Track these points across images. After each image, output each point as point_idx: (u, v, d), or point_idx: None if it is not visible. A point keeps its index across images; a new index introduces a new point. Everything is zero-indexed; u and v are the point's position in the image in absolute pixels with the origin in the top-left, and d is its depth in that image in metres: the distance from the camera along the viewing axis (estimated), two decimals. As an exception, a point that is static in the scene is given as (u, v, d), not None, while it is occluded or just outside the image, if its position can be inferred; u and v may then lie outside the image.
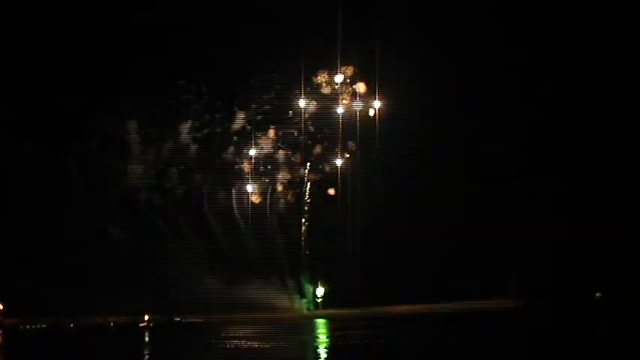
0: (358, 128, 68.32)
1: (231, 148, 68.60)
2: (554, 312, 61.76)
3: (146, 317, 62.59)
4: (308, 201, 69.62)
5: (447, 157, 69.26)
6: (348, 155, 68.75)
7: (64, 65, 66.40)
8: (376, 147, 68.19)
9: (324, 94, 68.23)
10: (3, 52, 65.17)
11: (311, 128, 68.70)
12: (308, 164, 69.33)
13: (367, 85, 68.07)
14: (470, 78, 67.68)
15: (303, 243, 69.65)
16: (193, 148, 68.41)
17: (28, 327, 62.42)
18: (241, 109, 68.28)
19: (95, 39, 66.70)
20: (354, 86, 68.23)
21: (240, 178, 69.01)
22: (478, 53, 68.02)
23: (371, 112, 67.61)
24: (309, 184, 69.71)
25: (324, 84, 67.96)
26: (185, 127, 68.19)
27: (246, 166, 68.74)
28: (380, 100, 67.53)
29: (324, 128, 69.03)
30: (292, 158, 69.11)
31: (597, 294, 67.70)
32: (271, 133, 68.32)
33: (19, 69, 65.85)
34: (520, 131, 69.41)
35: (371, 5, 67.32)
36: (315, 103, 68.32)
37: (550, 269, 67.16)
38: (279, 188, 69.10)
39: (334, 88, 68.33)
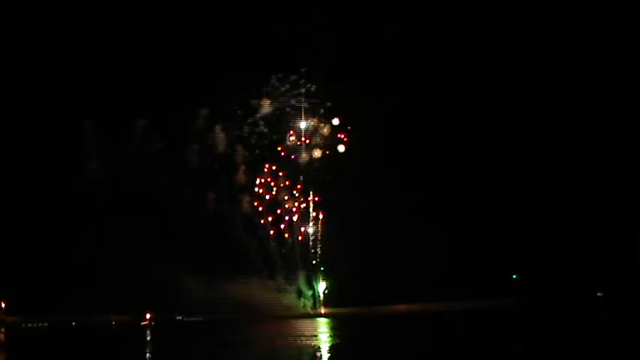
0: None
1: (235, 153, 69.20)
2: (556, 311, 61.83)
3: (147, 316, 62.76)
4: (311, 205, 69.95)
5: (443, 153, 69.53)
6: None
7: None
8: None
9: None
10: None
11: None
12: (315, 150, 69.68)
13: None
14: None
15: (304, 242, 69.95)
16: (193, 153, 68.79)
17: (30, 325, 62.60)
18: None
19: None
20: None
21: (242, 180, 69.37)
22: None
23: None
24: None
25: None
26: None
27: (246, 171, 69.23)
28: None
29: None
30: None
31: (598, 293, 67.78)
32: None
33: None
34: (513, 128, 69.64)
35: None
36: None
37: (551, 268, 67.29)
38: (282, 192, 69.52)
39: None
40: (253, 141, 69.17)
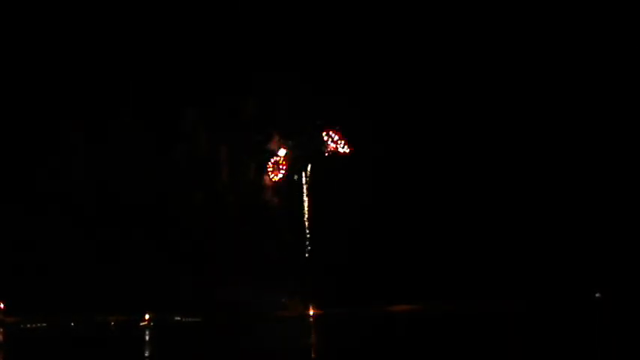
0: None
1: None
2: (554, 313, 61.72)
3: (147, 316, 62.71)
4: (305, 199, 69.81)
5: (444, 154, 69.44)
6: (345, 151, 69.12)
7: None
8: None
9: None
10: None
11: None
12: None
13: None
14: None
15: (301, 241, 69.91)
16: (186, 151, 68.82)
17: (29, 325, 62.55)
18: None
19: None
20: None
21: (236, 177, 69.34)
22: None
23: None
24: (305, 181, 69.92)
25: None
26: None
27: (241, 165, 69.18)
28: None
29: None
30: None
31: (597, 294, 67.64)
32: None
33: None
34: (519, 127, 69.53)
35: None
36: None
37: (550, 269, 67.22)
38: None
39: None
40: (242, 141, 69.28)
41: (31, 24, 67.38)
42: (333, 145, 68.66)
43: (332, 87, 66.75)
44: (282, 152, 68.82)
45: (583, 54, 68.77)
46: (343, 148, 68.58)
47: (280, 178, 68.53)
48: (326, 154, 68.85)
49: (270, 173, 68.62)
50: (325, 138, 68.74)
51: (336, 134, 68.61)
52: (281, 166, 68.69)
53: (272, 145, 68.83)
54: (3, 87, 66.57)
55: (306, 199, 69.31)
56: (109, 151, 68.40)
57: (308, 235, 69.10)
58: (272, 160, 68.68)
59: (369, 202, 66.97)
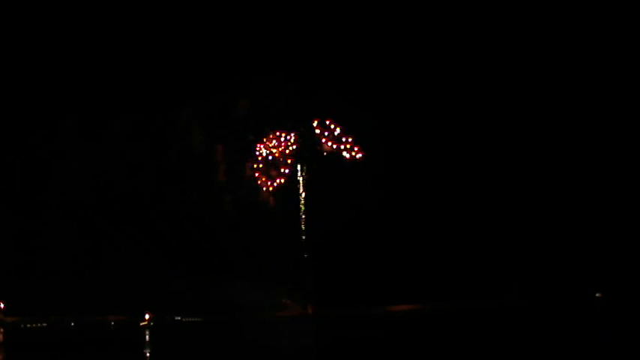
0: None
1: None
2: (554, 312, 61.81)
3: (147, 316, 62.74)
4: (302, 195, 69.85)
5: (442, 153, 69.49)
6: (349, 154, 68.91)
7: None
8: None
9: None
10: None
11: None
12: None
13: None
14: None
15: (300, 239, 69.96)
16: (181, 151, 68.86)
17: (29, 325, 62.63)
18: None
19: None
20: None
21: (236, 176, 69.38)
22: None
23: None
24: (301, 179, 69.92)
25: None
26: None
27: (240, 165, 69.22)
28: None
29: None
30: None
31: (597, 294, 67.69)
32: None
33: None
34: (518, 127, 69.62)
35: None
36: None
37: (549, 269, 67.28)
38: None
39: None
40: (240, 141, 69.25)
41: (31, 24, 67.58)
42: (331, 143, 68.31)
43: (332, 87, 66.87)
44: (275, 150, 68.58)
45: (583, 54, 68.94)
46: (352, 151, 68.09)
47: (275, 187, 68.33)
48: (325, 152, 68.73)
49: (262, 182, 68.34)
50: (319, 131, 68.33)
51: (337, 126, 68.06)
52: (278, 173, 68.59)
53: (263, 150, 68.68)
54: (2, 87, 66.76)
55: (303, 197, 69.42)
56: (108, 151, 68.59)
57: (307, 235, 69.23)
58: (261, 167, 68.48)
59: (369, 200, 66.99)
